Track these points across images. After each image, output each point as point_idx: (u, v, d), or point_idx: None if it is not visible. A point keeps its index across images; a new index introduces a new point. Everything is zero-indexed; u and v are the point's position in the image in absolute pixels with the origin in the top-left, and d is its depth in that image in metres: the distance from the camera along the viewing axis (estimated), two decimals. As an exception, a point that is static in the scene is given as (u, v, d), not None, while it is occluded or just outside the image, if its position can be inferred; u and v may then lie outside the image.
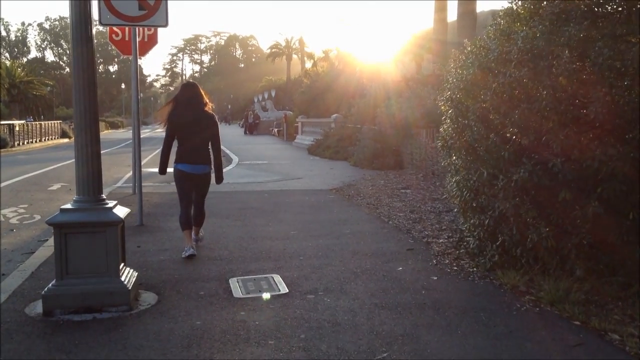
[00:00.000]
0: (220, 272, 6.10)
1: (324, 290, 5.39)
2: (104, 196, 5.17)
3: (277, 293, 5.33)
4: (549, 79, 5.06)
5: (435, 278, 5.77)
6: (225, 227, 8.55)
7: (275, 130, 42.70)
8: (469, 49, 6.14)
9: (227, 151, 25.89)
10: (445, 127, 6.34)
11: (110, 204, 5.15)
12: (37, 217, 10.26)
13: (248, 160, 20.88)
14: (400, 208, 9.92)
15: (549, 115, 5.02)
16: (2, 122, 38.55)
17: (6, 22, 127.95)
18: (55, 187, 14.39)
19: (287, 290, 5.39)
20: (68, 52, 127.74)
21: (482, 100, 5.45)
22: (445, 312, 4.79)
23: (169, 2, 8.47)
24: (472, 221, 6.16)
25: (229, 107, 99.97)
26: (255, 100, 73.76)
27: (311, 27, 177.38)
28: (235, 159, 21.46)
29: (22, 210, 10.87)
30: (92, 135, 5.04)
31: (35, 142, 38.45)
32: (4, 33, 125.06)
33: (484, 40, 5.94)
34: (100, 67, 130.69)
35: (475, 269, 6.01)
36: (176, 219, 8.91)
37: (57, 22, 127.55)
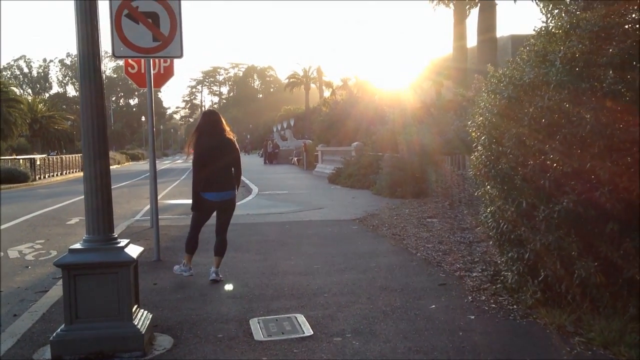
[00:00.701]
0: (240, 311, 5.73)
1: (351, 332, 4.99)
2: (115, 235, 4.86)
3: (301, 335, 4.94)
4: (591, 101, 4.68)
5: (473, 317, 5.34)
6: (245, 262, 8.19)
7: (295, 159, 42.51)
8: (500, 72, 5.79)
9: (247, 181, 25.65)
10: (477, 154, 5.96)
11: (122, 242, 4.83)
12: (54, 252, 9.99)
13: (268, 190, 20.59)
14: (428, 239, 9.51)
15: (594, 141, 4.63)
16: (23, 157, 38.83)
17: (28, 59, 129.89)
18: (73, 221, 14.17)
19: (312, 332, 5.00)
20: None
21: (519, 126, 5.07)
22: (487, 358, 4.36)
23: (185, 33, 8.29)
24: (509, 254, 5.74)
25: (248, 136, 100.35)
26: (274, 129, 73.95)
27: (329, 57, 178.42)
28: (255, 190, 21.17)
29: (38, 246, 10.62)
30: (102, 167, 4.76)
31: (56, 175, 38.58)
32: (26, 70, 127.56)
33: (517, 62, 5.58)
34: (121, 100, 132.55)
35: (515, 306, 5.57)
36: (195, 253, 8.63)
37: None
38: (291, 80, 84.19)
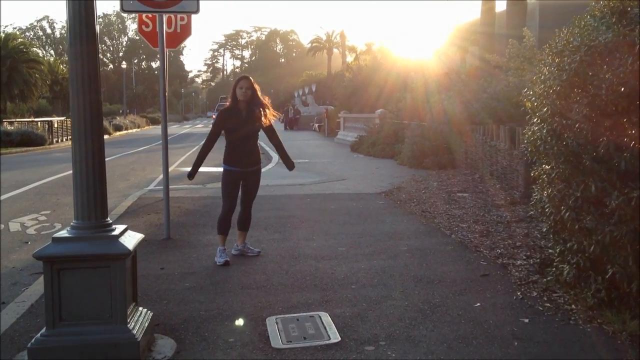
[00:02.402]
0: (256, 306, 5.00)
1: (386, 339, 4.23)
2: (109, 220, 4.11)
3: (326, 342, 4.19)
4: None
5: (527, 320, 4.55)
6: (263, 242, 7.46)
7: (316, 125, 41.59)
8: (564, 32, 4.89)
9: (266, 148, 24.86)
10: (534, 128, 5.10)
11: (118, 229, 4.08)
12: (58, 225, 9.34)
13: (288, 159, 19.81)
14: (462, 217, 8.69)
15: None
16: (40, 119, 38.37)
17: (51, 19, 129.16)
18: (84, 189, 13.52)
19: (339, 339, 4.24)
20: (111, 49, 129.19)
21: (592, 95, 4.20)
22: (553, 380, 3.60)
23: None
24: (568, 245, 4.92)
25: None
26: (296, 95, 72.84)
27: (352, 21, 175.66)
28: (275, 157, 20.36)
29: (42, 218, 9.97)
30: (93, 145, 4.00)
31: (75, 139, 38.05)
32: (49, 31, 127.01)
33: (587, 21, 4.68)
34: (143, 63, 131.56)
35: (573, 306, 4.77)
36: (209, 230, 7.94)
37: (100, 20, 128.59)
38: (314, 44, 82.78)
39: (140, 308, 4.33)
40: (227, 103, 6.53)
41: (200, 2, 7.80)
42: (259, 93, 6.51)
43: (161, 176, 15.46)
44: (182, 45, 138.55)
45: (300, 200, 10.80)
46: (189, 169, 6.56)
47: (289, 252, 6.91)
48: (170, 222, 8.58)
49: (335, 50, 78.57)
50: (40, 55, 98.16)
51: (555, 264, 5.46)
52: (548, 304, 4.87)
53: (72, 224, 4.03)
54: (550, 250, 5.83)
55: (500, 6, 27.18)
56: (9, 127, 32.79)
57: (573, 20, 4.80)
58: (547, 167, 4.99)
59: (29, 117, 45.82)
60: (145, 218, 9.21)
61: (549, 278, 5.49)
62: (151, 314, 4.36)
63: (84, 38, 3.90)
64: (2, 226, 9.25)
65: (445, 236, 7.59)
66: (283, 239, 7.63)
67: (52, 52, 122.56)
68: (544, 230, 5.44)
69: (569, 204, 4.62)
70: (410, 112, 20.03)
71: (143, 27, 10.86)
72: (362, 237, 7.65)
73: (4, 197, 12.29)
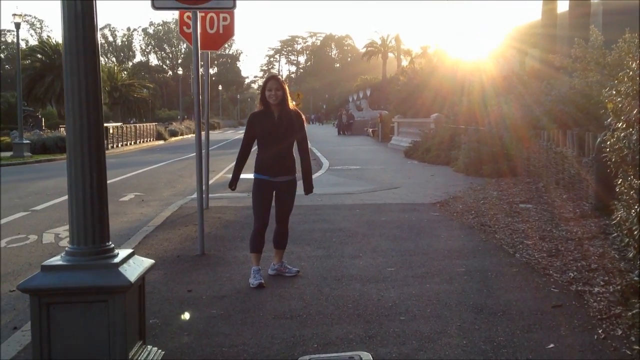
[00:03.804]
0: (288, 341, 4.31)
1: (439, 391, 3.49)
2: (111, 244, 3.50)
3: (368, 394, 3.48)
4: None
5: (614, 372, 3.73)
6: (304, 259, 6.78)
7: (370, 130, 40.79)
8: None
9: (318, 154, 24.30)
10: (619, 134, 4.27)
11: (121, 255, 3.47)
12: (94, 237, 8.88)
13: (339, 165, 19.12)
14: (526, 232, 7.82)
15: None
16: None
17: (113, 27, 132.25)
18: (127, 197, 13.18)
19: (383, 390, 3.53)
20: (170, 56, 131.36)
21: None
22: None
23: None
24: (662, 276, 4.07)
25: (324, 106, 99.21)
26: (350, 99, 72.28)
27: (408, 24, 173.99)
28: (326, 164, 19.77)
29: (81, 228, 9.55)
30: (91, 157, 3.41)
31: (130, 144, 38.42)
32: (110, 38, 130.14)
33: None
34: (201, 69, 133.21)
35: (670, 352, 3.92)
36: (247, 244, 7.28)
37: (160, 27, 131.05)
38: (369, 49, 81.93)
39: (149, 347, 3.71)
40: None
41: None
42: (289, 96, 5.85)
43: (211, 181, 15.14)
44: (238, 51, 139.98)
45: (348, 211, 10.08)
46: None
47: (331, 273, 6.21)
48: (207, 235, 8.05)
49: (390, 54, 77.59)
50: (103, 62, 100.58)
51: (643, 295, 4.60)
52: (637, 347, 4.02)
53: (66, 249, 3.44)
54: (635, 279, 4.96)
55: (562, 7, 25.94)
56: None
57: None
58: (637, 181, 4.15)
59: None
60: (182, 230, 8.66)
61: (634, 311, 4.62)
62: (162, 354, 3.73)
63: (81, 50, 3.32)
64: (33, 237, 8.86)
65: (509, 255, 6.75)
66: (326, 256, 6.93)
67: (113, 59, 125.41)
68: (630, 255, 4.57)
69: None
70: (466, 117, 19.09)
71: (184, 28, 10.45)
72: (413, 255, 6.89)
73: (44, 205, 12.01)
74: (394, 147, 27.00)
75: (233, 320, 4.81)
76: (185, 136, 54.75)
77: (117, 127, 37.90)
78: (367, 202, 10.99)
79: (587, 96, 13.12)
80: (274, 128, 5.76)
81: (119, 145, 36.07)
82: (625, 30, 13.96)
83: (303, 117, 6.03)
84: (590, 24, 23.54)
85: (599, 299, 5.06)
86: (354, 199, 11.42)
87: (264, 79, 5.94)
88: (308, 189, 6.06)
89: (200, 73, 8.04)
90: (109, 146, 34.16)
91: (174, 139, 49.56)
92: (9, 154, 27.71)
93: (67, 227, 9.61)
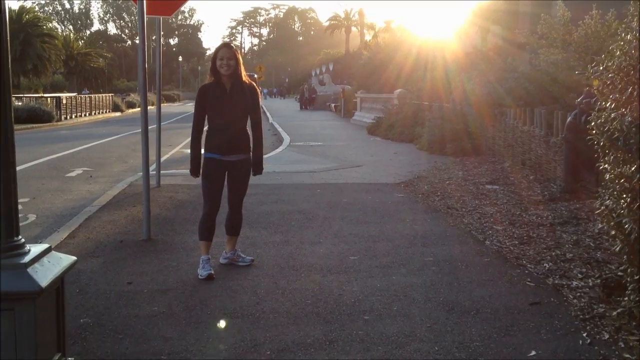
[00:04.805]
0: (237, 347, 3.78)
1: (409, 412, 3.01)
2: (20, 239, 2.90)
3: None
4: None
5: (605, 386, 3.30)
6: (260, 246, 6.25)
7: (333, 105, 40.20)
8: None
9: (279, 129, 23.69)
10: (609, 115, 3.81)
11: (32, 252, 2.88)
12: (32, 217, 8.20)
13: (301, 142, 18.52)
14: (495, 217, 7.41)
15: None
16: (49, 95, 37.39)
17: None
18: (75, 172, 12.40)
19: (344, 411, 3.03)
20: (130, 25, 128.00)
21: None
22: None
23: None
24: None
25: (287, 80, 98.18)
26: (313, 74, 71.40)
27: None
28: (287, 139, 19.16)
29: (19, 207, 8.82)
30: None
31: (85, 115, 37.08)
32: (67, 6, 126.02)
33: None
34: (162, 40, 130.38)
35: (664, 360, 3.51)
36: (197, 229, 6.73)
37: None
38: (332, 22, 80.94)
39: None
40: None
41: None
42: (242, 66, 5.26)
43: (165, 156, 14.42)
44: (200, 21, 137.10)
45: (309, 191, 9.55)
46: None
47: (289, 262, 5.69)
48: (156, 217, 7.47)
49: (353, 28, 76.68)
50: (60, 30, 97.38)
51: (628, 292, 4.19)
52: (628, 355, 3.62)
53: (-35, 246, 2.82)
54: (619, 273, 4.57)
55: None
56: (17, 103, 31.80)
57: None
58: (630, 168, 3.71)
59: (43, 93, 44.97)
60: (129, 211, 8.02)
61: (619, 310, 4.22)
62: (85, 368, 3.17)
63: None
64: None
65: (479, 242, 6.32)
66: (284, 242, 6.41)
67: (70, 27, 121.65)
68: (617, 249, 4.15)
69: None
70: (430, 93, 18.68)
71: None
72: (377, 241, 6.41)
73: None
74: (357, 123, 26.51)
75: (176, 320, 4.26)
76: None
77: (70, 97, 36.50)
78: (329, 182, 10.47)
79: (550, 74, 12.79)
80: (226, 101, 5.17)
81: (72, 117, 34.73)
82: (588, 7, 13.64)
83: (258, 90, 5.45)
84: (552, 0, 23.34)
85: (578, 294, 4.66)
86: (315, 178, 10.89)
87: (215, 48, 5.31)
88: (257, 169, 5.49)
89: (155, 43, 7.34)
90: (62, 117, 32.87)
91: (131, 110, 48.06)
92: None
93: None
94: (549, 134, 9.83)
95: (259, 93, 5.51)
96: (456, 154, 13.67)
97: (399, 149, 15.77)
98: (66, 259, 3.14)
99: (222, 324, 4.17)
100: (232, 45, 5.33)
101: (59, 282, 3.06)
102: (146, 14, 9.52)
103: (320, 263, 5.62)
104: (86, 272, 5.40)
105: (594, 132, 4.26)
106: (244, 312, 4.40)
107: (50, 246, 3.11)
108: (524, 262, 5.57)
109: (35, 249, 2.95)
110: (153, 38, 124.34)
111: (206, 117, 5.31)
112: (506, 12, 25.52)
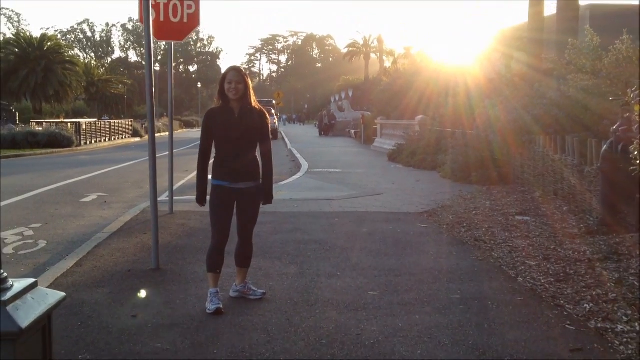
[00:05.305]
0: (244, 395, 3.39)
1: None
2: (3, 273, 2.54)
3: None
4: None
5: None
6: (273, 278, 5.86)
7: (352, 131, 39.92)
8: None
9: (298, 155, 23.39)
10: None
11: (15, 288, 2.53)
12: (42, 243, 7.91)
13: (319, 168, 18.17)
14: (527, 251, 6.95)
15: None
16: (70, 121, 37.58)
17: (91, 23, 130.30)
18: (89, 198, 12.13)
19: None
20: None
21: None
22: None
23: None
24: None
25: (306, 106, 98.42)
26: (332, 100, 71.48)
27: (390, 25, 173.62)
28: (305, 166, 18.82)
29: (29, 233, 8.54)
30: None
31: (104, 141, 37.16)
32: (89, 34, 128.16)
33: None
34: (181, 67, 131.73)
35: None
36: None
37: (138, 24, 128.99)
38: (350, 49, 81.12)
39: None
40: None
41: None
42: (252, 90, 4.93)
43: (180, 183, 14.14)
44: (219, 49, 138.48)
45: (327, 220, 9.16)
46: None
47: (303, 296, 5.29)
48: (167, 245, 7.17)
49: (372, 55, 76.80)
50: (81, 57, 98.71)
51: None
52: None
53: None
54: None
55: (550, 9, 25.33)
56: (37, 128, 31.97)
57: None
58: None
59: (64, 118, 45.29)
60: (139, 239, 7.69)
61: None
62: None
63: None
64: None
65: (510, 279, 5.87)
66: (299, 274, 6.01)
67: (92, 54, 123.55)
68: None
69: None
70: (452, 120, 18.26)
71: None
72: (399, 275, 5.99)
73: (-4, 205, 10.95)
74: (377, 150, 26.15)
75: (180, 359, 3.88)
76: (163, 133, 53.42)
77: (90, 123, 36.61)
78: (348, 210, 10.07)
79: (580, 101, 12.36)
80: (234, 127, 4.84)
81: (92, 142, 34.81)
82: (616, 34, 13.24)
83: (267, 115, 5.11)
84: (578, 27, 22.98)
85: (625, 340, 4.20)
86: (334, 207, 10.49)
87: (224, 71, 4.98)
88: (267, 198, 5.13)
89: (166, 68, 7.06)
90: (82, 142, 32.93)
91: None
92: (-26, 148, 26.40)
93: (16, 230, 8.82)
94: (582, 163, 9.37)
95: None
96: (482, 183, 13.21)
97: (421, 177, 15.35)
98: (53, 295, 2.77)
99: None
100: (241, 68, 5.01)
101: (46, 319, 2.71)
102: (158, 39, 9.41)
103: (337, 298, 5.22)
104: (90, 304, 5.06)
105: (637, 162, 3.85)
106: (253, 351, 4.01)
107: (37, 281, 2.76)
108: (562, 302, 5.11)
109: (18, 285, 2.60)
110: (173, 65, 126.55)
111: (213, 143, 4.99)
112: (530, 39, 25.22)
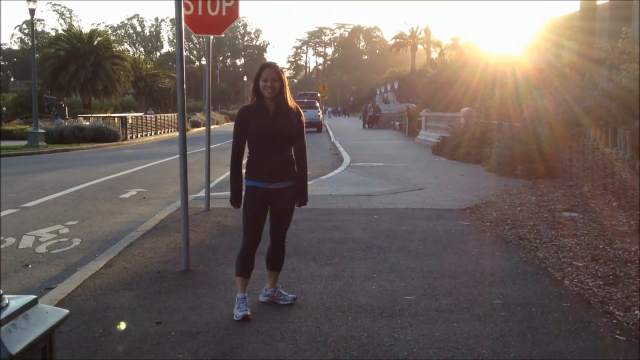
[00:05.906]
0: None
1: None
2: (-3, 290, 2.39)
3: None
4: None
5: None
6: (306, 280, 5.64)
7: (397, 124, 39.41)
8: None
9: (340, 148, 23.14)
10: None
11: (11, 306, 2.35)
12: (77, 242, 7.87)
13: (361, 162, 17.88)
14: (575, 250, 6.57)
15: None
16: (117, 115, 38.17)
17: (141, 17, 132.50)
18: (128, 194, 12.16)
19: None
20: (198, 46, 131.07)
21: None
22: None
23: None
24: None
25: (351, 98, 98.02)
26: (378, 92, 70.88)
27: (438, 16, 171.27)
28: (347, 159, 18.56)
29: (64, 231, 8.53)
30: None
31: (150, 135, 37.59)
32: (139, 28, 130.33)
33: None
34: (228, 60, 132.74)
35: None
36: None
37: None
38: (397, 40, 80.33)
39: None
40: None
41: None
42: (287, 87, 4.70)
43: (219, 179, 14.07)
44: (266, 42, 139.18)
45: (365, 217, 8.90)
46: None
47: (336, 300, 5.06)
48: (200, 244, 7.04)
49: (419, 46, 75.86)
50: (131, 52, 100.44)
51: None
52: None
53: None
54: None
55: (603, -2, 24.47)
56: (84, 123, 32.52)
57: None
58: None
59: (112, 113, 46.06)
60: (173, 238, 7.57)
61: None
62: None
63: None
64: (11, 240, 7.87)
65: (556, 282, 5.52)
66: (333, 276, 5.78)
67: (142, 49, 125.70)
68: None
69: None
70: (499, 111, 17.71)
71: (183, 9, 9.33)
72: (438, 277, 5.70)
73: (37, 202, 11.03)
74: (421, 142, 25.70)
75: (200, 374, 3.69)
76: (214, 126, 53.96)
77: (136, 117, 37.08)
78: (387, 206, 9.78)
79: (634, 92, 11.76)
80: (270, 125, 4.62)
81: (138, 136, 35.26)
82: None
83: (303, 114, 4.88)
84: (632, 16, 22.08)
85: (684, 354, 3.84)
86: (374, 203, 10.22)
87: (258, 67, 4.75)
88: (302, 200, 4.92)
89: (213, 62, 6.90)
90: (128, 137, 33.37)
91: (196, 130, 48.54)
92: (24, 142, 26.96)
93: (52, 228, 8.75)
94: (634, 156, 8.87)
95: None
96: (528, 177, 12.74)
97: (465, 171, 14.93)
98: (54, 314, 2.58)
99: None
100: (277, 65, 4.77)
101: (46, 340, 2.53)
102: (196, 34, 9.29)
103: (372, 303, 4.97)
104: (115, 309, 4.93)
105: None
106: (279, 363, 3.80)
107: (36, 298, 2.57)
108: (611, 308, 4.76)
109: (15, 303, 2.41)
110: (220, 58, 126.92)
111: (246, 142, 4.78)
112: (581, 28, 24.38)
